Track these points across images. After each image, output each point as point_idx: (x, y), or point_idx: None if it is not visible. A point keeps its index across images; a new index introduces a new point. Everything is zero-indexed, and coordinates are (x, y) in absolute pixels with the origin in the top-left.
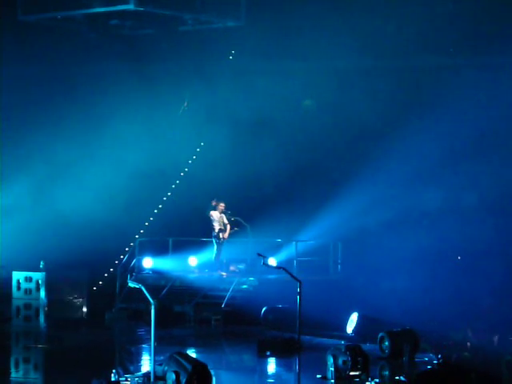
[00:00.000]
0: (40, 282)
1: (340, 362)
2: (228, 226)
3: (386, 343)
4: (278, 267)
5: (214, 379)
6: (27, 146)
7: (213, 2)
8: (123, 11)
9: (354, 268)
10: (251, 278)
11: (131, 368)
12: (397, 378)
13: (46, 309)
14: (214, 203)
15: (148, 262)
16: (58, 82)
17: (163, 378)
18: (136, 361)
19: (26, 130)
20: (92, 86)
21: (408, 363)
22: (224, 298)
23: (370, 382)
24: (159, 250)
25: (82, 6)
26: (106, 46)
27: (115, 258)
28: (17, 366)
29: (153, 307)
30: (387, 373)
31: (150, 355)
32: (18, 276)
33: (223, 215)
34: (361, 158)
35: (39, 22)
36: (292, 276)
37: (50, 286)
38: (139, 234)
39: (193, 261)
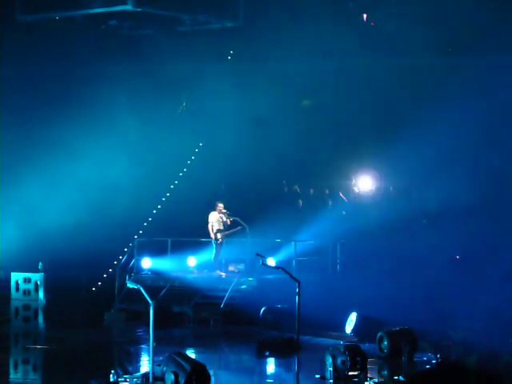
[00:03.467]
0: (39, 282)
1: (339, 361)
2: (228, 221)
3: (385, 343)
4: (276, 267)
5: (212, 380)
6: (26, 148)
7: (211, 2)
8: (122, 12)
9: (352, 268)
10: (250, 278)
11: (130, 368)
12: (396, 377)
13: (45, 309)
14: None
15: (147, 263)
16: (58, 82)
17: (162, 378)
18: (135, 361)
19: (22, 130)
20: (90, 86)
21: (407, 363)
22: (223, 298)
23: (369, 381)
24: (158, 250)
25: (80, 7)
26: (104, 47)
27: (114, 258)
28: (16, 366)
29: (151, 308)
30: (386, 372)
31: (149, 356)
32: (16, 277)
33: (222, 215)
34: (360, 157)
35: (38, 22)
36: (291, 276)
37: (48, 286)
38: (138, 234)
39: (192, 261)
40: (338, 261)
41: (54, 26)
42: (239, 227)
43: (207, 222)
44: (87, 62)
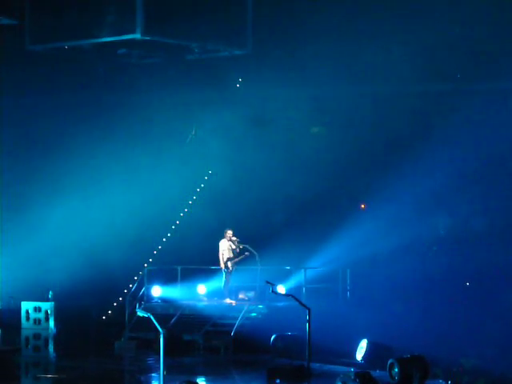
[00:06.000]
0: (49, 311)
1: None
2: (238, 249)
3: (396, 370)
4: (286, 294)
5: None
6: (32, 176)
7: (219, 30)
8: (130, 40)
9: (363, 294)
10: (260, 306)
11: None
12: None
13: (55, 338)
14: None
15: (157, 291)
16: (65, 112)
17: None
18: None
19: (30, 159)
20: (99, 116)
21: None
22: (233, 326)
23: None
24: (168, 278)
25: (89, 36)
26: (112, 76)
27: (124, 286)
28: None
29: (162, 336)
30: None
31: None
32: (26, 306)
33: (231, 242)
34: (370, 184)
35: (47, 52)
36: (301, 303)
37: (58, 315)
38: (148, 262)
39: (202, 289)
40: (348, 287)
41: (62, 55)
42: (247, 253)
43: (218, 251)
44: (95, 91)
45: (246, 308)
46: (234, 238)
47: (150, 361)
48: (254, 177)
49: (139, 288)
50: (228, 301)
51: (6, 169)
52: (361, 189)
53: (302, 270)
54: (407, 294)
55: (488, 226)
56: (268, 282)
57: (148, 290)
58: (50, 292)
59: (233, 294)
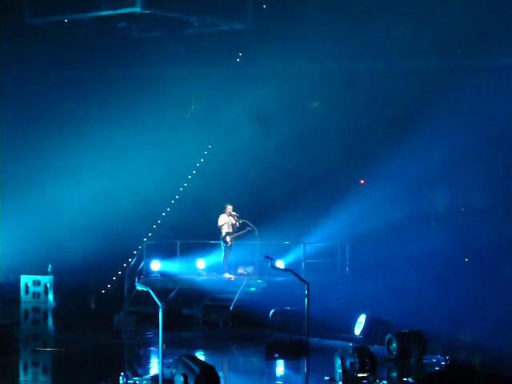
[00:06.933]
0: (48, 285)
1: (348, 363)
2: (237, 224)
3: (394, 345)
4: (285, 269)
5: (222, 381)
6: (33, 150)
7: (219, 4)
8: (130, 14)
9: (361, 270)
10: (259, 281)
11: (139, 371)
12: (405, 379)
13: (54, 312)
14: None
15: (156, 265)
16: (65, 86)
17: (171, 380)
18: (144, 364)
19: (31, 134)
20: (99, 90)
21: (416, 364)
22: (232, 300)
23: (378, 383)
24: (167, 252)
25: (89, 9)
26: (111, 50)
27: (123, 261)
28: (25, 369)
29: (161, 310)
30: (395, 374)
31: (159, 358)
32: (26, 280)
33: (231, 217)
34: (369, 159)
35: (46, 26)
36: (300, 278)
37: (58, 289)
38: (147, 236)
39: (201, 263)
40: (347, 263)
41: (62, 29)
42: (248, 228)
43: (217, 225)
44: (95, 65)
45: (245, 283)
46: (233, 213)
47: (149, 335)
48: (254, 152)
49: (138, 262)
50: (227, 275)
51: (6, 143)
52: (360, 164)
53: (301, 245)
54: (406, 269)
55: (487, 202)
56: (267, 257)
57: (147, 264)
58: (50, 265)
59: (232, 268)
